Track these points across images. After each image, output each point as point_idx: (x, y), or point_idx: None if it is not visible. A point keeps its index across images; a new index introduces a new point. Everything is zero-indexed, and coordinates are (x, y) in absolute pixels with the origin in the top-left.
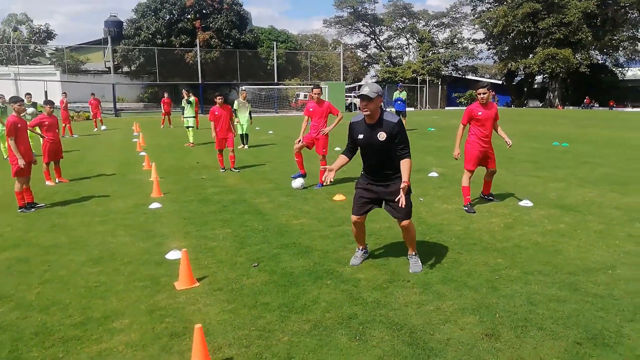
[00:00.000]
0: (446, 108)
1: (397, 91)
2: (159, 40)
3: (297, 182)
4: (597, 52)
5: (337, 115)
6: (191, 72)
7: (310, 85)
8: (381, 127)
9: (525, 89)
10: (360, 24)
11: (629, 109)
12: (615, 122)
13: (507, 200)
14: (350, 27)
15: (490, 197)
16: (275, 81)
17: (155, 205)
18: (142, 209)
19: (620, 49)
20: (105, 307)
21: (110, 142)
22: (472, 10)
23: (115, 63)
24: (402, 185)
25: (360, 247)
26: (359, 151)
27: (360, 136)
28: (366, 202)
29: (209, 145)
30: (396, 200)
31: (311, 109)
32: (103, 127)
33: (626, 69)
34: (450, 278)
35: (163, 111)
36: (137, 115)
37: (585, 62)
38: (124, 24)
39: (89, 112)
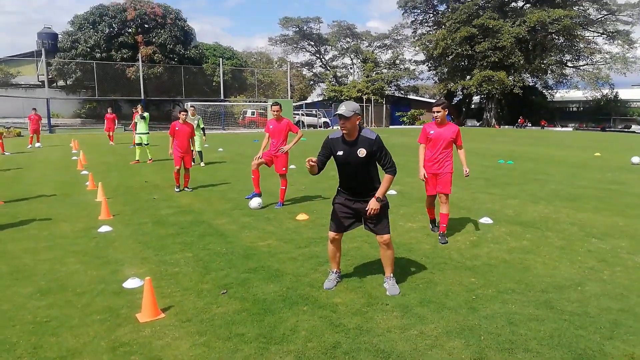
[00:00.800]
0: (390, 127)
1: None
2: (98, 54)
3: (254, 202)
4: (528, 74)
5: (296, 133)
6: (133, 87)
7: (257, 102)
8: (360, 145)
9: (463, 108)
10: (306, 42)
11: (558, 128)
12: (548, 141)
13: (468, 218)
14: (295, 45)
15: (433, 228)
16: (222, 98)
17: (105, 228)
18: (91, 233)
19: (549, 72)
20: (59, 345)
21: (47, 161)
22: (412, 32)
23: (50, 77)
24: (375, 195)
25: (334, 270)
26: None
27: (340, 153)
28: (345, 217)
29: (157, 163)
30: (367, 209)
31: (271, 127)
32: (38, 144)
33: (555, 91)
34: (428, 299)
35: (105, 127)
36: (74, 131)
37: (518, 84)
38: (59, 36)
39: (20, 128)
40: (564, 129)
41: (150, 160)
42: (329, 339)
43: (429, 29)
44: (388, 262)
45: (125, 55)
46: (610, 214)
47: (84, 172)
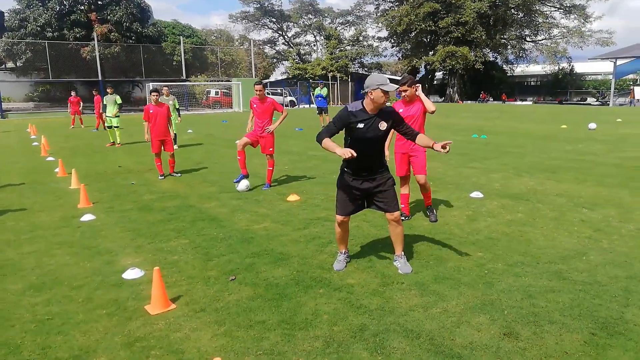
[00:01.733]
0: None
1: (318, 88)
2: (50, 34)
3: (242, 185)
4: (489, 50)
5: (281, 112)
6: (89, 68)
7: (220, 82)
8: (381, 117)
9: (427, 85)
10: (268, 19)
11: (518, 102)
12: (512, 115)
13: (459, 193)
14: (257, 22)
15: (428, 213)
16: (184, 77)
17: (88, 217)
18: (73, 222)
19: (509, 47)
20: (69, 344)
21: (6, 147)
22: (375, 8)
23: None
24: (442, 143)
25: (343, 250)
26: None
27: (361, 125)
28: (354, 199)
29: (126, 147)
30: (445, 147)
31: (255, 106)
32: None
33: (515, 65)
34: (442, 276)
35: (71, 110)
36: (29, 116)
37: (480, 59)
38: (6, 14)
39: None
40: (523, 102)
41: (118, 144)
42: (354, 322)
43: (391, 4)
44: (399, 239)
45: (78, 35)
46: (592, 184)
47: (50, 158)
